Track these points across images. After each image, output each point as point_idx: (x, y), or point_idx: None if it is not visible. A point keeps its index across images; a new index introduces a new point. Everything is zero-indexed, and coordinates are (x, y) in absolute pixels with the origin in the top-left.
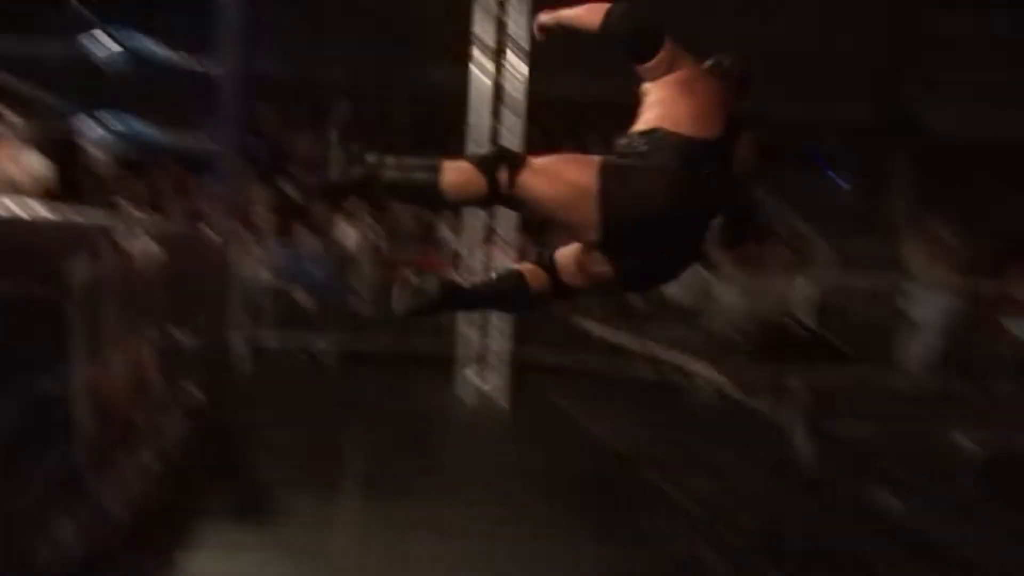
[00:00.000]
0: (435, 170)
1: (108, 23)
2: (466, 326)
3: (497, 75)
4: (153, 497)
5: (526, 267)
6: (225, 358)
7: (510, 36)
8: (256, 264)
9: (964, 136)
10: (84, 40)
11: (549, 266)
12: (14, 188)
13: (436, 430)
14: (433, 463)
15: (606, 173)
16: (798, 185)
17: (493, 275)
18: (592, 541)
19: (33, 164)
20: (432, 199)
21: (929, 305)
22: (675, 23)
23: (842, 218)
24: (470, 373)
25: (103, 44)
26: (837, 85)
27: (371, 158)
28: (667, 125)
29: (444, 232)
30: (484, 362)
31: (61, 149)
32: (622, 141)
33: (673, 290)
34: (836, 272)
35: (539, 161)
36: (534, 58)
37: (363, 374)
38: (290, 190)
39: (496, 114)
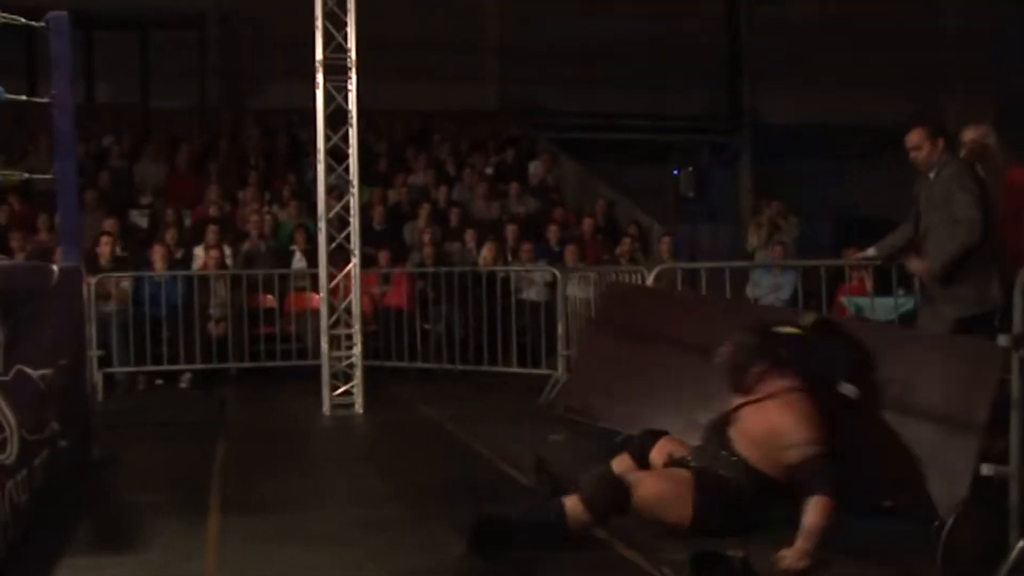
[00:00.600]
0: (561, 515)
1: None
2: (322, 340)
3: (337, 93)
4: (17, 531)
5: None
6: (82, 388)
7: (347, 55)
8: (107, 292)
9: (797, 122)
10: None
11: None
12: None
13: (298, 442)
14: (297, 475)
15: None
16: (644, 179)
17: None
18: (457, 537)
19: None
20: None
21: (770, 286)
22: (521, 23)
23: (687, 209)
24: (328, 385)
25: None
26: (678, 78)
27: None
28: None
29: (295, 250)
30: (340, 373)
31: None
32: (710, 448)
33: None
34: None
35: (644, 491)
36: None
37: (221, 394)
38: (136, 218)
39: (335, 128)
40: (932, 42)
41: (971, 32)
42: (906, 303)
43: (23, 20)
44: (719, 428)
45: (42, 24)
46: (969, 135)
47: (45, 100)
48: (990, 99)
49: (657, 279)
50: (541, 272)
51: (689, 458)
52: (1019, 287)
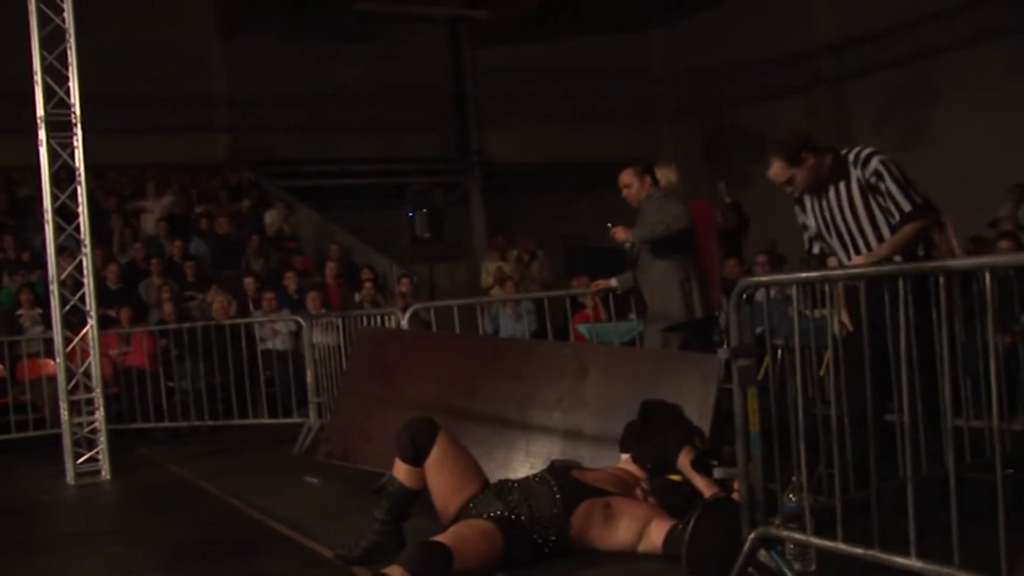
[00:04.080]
0: None
1: None
2: (61, 406)
3: (59, 149)
4: None
5: None
6: None
7: (71, 110)
8: None
9: (524, 160)
10: None
11: None
12: None
13: (41, 517)
14: (41, 552)
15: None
16: (380, 223)
17: None
18: None
19: None
20: None
21: (507, 320)
22: (248, 72)
23: (423, 249)
24: (71, 453)
25: None
26: (407, 122)
27: None
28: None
29: (27, 316)
30: (84, 440)
31: None
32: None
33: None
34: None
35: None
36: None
37: None
38: None
39: (64, 189)
40: (644, 81)
41: (678, 71)
42: (637, 326)
43: None
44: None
45: None
46: (659, 173)
47: None
48: (698, 130)
49: (410, 320)
50: (285, 321)
51: (478, 509)
52: (732, 305)
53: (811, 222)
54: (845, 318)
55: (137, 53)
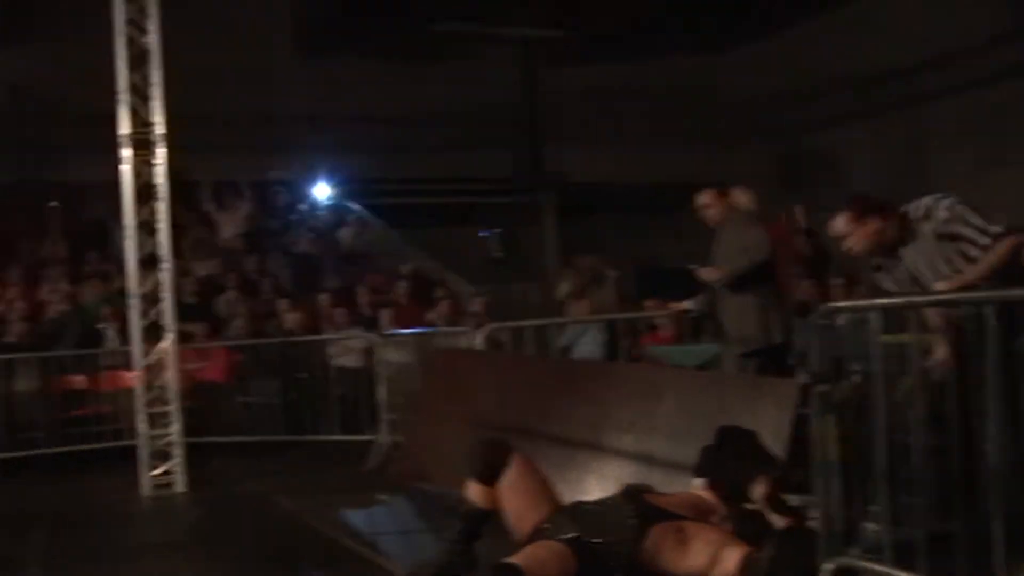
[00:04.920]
0: None
1: None
2: (140, 419)
3: (143, 168)
4: None
5: None
6: None
7: (152, 129)
8: None
9: (597, 181)
10: None
11: None
12: None
13: (118, 528)
14: (119, 562)
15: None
16: (452, 242)
17: None
18: None
19: None
20: None
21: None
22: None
23: (496, 268)
24: (147, 465)
25: None
26: (481, 142)
27: None
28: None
29: (106, 329)
30: (160, 452)
31: None
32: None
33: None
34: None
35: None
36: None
37: (33, 482)
38: None
39: (146, 206)
40: (719, 103)
41: (753, 93)
42: (711, 350)
43: None
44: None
45: None
46: (736, 196)
47: None
48: (773, 153)
49: (484, 340)
50: (357, 339)
51: (552, 531)
52: (813, 328)
53: (894, 287)
54: (943, 350)
55: (217, 72)
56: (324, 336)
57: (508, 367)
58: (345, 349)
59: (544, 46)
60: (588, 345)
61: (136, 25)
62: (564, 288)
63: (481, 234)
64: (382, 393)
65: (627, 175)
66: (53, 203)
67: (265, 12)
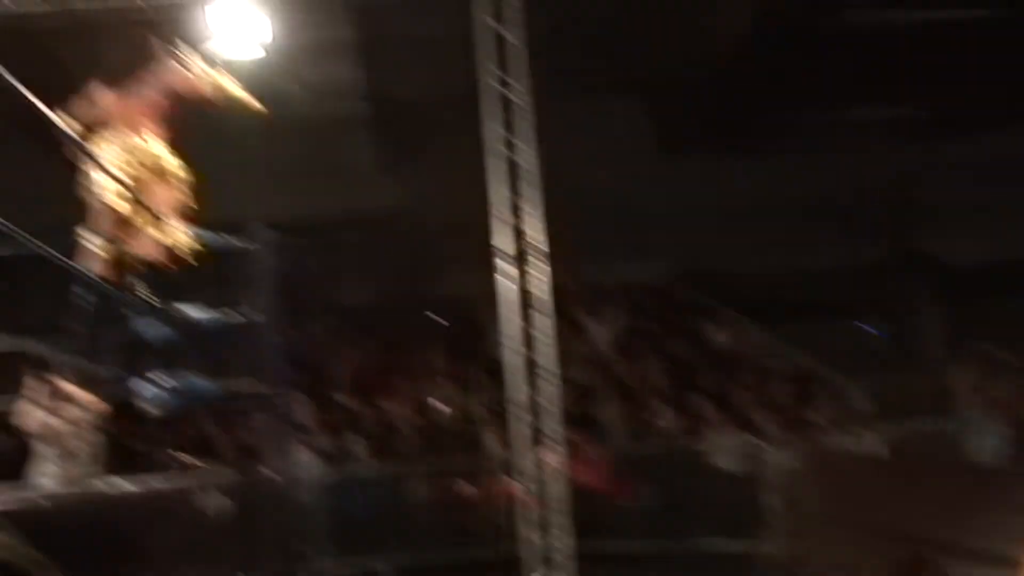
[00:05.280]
0: None
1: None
2: (525, 527)
3: (522, 280)
4: None
5: None
6: None
7: (528, 241)
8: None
9: (975, 261)
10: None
11: None
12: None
13: None
14: None
15: None
16: (828, 336)
17: None
18: None
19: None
20: None
21: (987, 437)
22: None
23: (877, 365)
24: (534, 572)
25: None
26: (850, 228)
27: None
28: None
29: (488, 438)
30: (549, 561)
31: (118, 417)
32: None
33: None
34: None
35: None
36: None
37: None
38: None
39: (526, 317)
40: None
41: None
42: None
43: (226, 239)
44: None
45: (245, 244)
46: None
47: (244, 319)
48: None
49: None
50: (737, 442)
51: None
52: None
53: None
54: None
55: (576, 173)
56: (704, 440)
57: (908, 471)
58: (724, 453)
59: (910, 123)
60: (990, 443)
61: (508, 142)
62: (958, 380)
63: (859, 326)
64: (767, 498)
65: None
66: (433, 315)
67: (624, 114)
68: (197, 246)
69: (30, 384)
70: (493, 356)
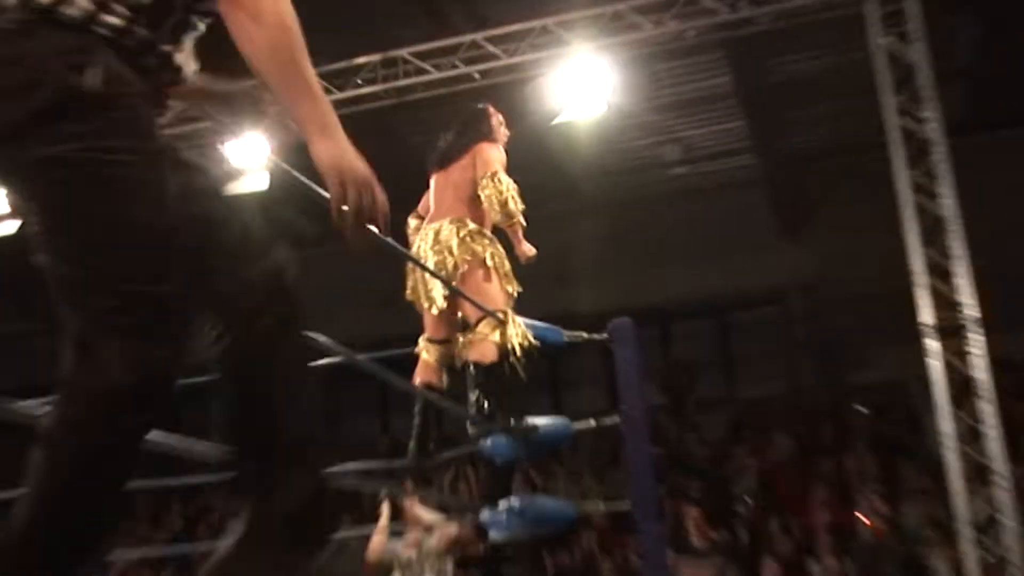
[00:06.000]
0: None
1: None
2: None
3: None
4: None
5: None
6: None
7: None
8: None
9: None
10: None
11: None
12: None
13: None
14: None
15: None
16: None
17: None
18: None
19: None
20: None
21: None
22: None
23: None
24: None
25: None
26: None
27: None
28: None
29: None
30: None
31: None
32: None
33: None
34: None
35: None
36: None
37: None
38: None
39: (960, 404)
40: None
41: None
42: None
43: (585, 335)
44: None
45: (604, 337)
46: None
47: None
48: None
49: None
50: None
51: None
52: None
53: None
54: None
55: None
56: None
57: None
58: None
59: None
60: None
61: (925, 191)
62: None
63: None
64: None
65: None
66: (859, 408)
67: None
68: (534, 342)
69: (382, 511)
70: (932, 455)
